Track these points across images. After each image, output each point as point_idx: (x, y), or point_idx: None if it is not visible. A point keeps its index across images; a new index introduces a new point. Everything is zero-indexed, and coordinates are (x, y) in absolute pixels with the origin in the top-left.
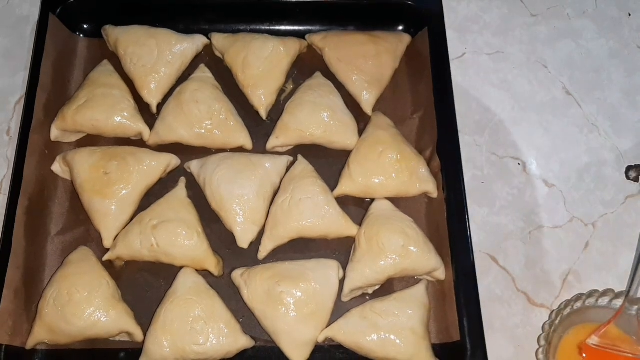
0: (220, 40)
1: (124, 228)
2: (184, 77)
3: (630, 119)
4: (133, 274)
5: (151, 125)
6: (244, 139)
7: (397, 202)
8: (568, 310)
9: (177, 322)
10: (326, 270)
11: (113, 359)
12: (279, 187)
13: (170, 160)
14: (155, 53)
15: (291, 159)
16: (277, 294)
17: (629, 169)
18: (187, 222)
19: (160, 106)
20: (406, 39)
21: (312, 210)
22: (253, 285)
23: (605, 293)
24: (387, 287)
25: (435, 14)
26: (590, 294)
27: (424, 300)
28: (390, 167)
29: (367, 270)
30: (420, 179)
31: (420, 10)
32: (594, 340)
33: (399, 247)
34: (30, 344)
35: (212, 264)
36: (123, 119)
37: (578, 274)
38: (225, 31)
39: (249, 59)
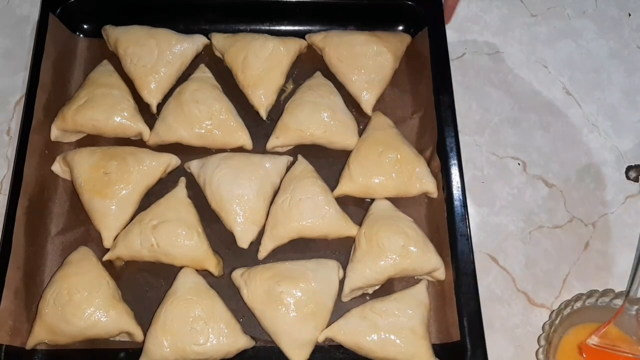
0: (220, 40)
1: (124, 228)
2: (184, 77)
3: (630, 119)
4: (133, 274)
5: (151, 125)
6: (244, 139)
7: (397, 202)
8: (568, 310)
9: (177, 322)
10: (326, 270)
11: (113, 359)
12: (279, 187)
13: (170, 160)
14: (155, 53)
15: (291, 159)
16: (277, 294)
17: (629, 169)
18: (187, 222)
19: (160, 106)
20: (406, 39)
21: (312, 210)
22: (253, 285)
23: (605, 293)
24: (387, 287)
25: (435, 13)
26: (590, 294)
27: (424, 300)
28: (390, 167)
29: (367, 270)
30: (420, 179)
31: (420, 10)
32: (594, 340)
33: (399, 247)
34: (30, 344)
35: (212, 264)
36: (123, 119)
37: (578, 274)
38: (225, 31)
39: (249, 59)
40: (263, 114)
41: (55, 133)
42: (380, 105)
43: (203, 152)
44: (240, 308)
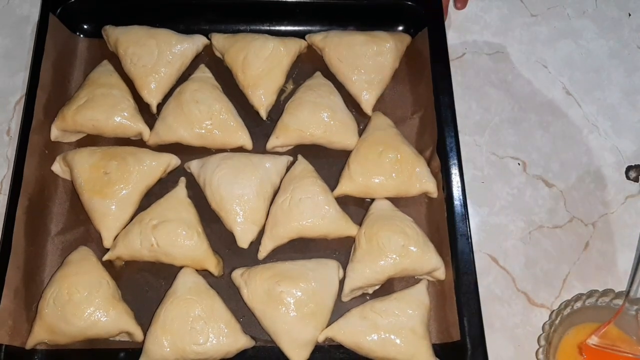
0: (220, 41)
1: (124, 228)
2: (184, 77)
3: (630, 119)
4: (133, 273)
5: (151, 125)
6: (244, 139)
7: (397, 202)
8: (568, 310)
9: (177, 321)
10: (326, 270)
11: (113, 359)
12: (279, 187)
13: (170, 160)
14: (156, 53)
15: (291, 159)
16: (277, 294)
17: (629, 169)
18: (187, 222)
19: (160, 106)
20: (406, 39)
21: (312, 210)
22: (253, 285)
23: (605, 293)
24: (387, 287)
25: (435, 13)
26: (590, 294)
27: (424, 300)
28: (390, 167)
29: (367, 270)
30: (420, 179)
31: (420, 10)
32: (594, 340)
33: (399, 246)
34: (30, 344)
35: (212, 264)
36: (123, 119)
37: (578, 274)
38: (225, 31)
39: (249, 59)
40: (263, 114)
41: (55, 133)
42: (380, 105)
43: (203, 152)
44: (240, 308)
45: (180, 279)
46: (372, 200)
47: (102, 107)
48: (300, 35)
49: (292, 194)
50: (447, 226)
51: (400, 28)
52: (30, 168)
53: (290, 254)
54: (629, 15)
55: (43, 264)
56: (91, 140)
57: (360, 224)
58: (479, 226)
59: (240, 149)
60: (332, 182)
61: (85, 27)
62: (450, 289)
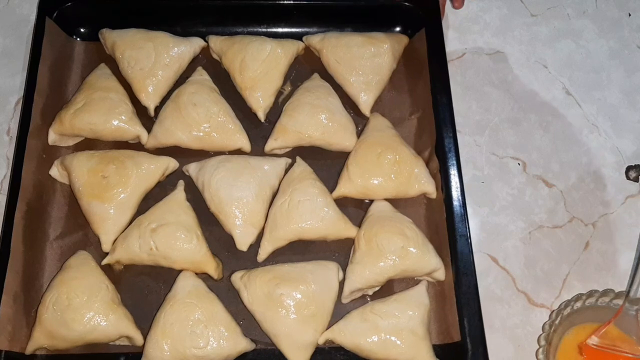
0: (217, 43)
1: (122, 232)
2: (181, 80)
3: (630, 119)
4: (132, 277)
5: (149, 129)
6: (242, 141)
7: (396, 203)
8: (568, 310)
9: (177, 325)
10: (326, 272)
11: None
12: (277, 189)
13: (169, 164)
14: (153, 56)
15: (289, 160)
16: (277, 297)
17: (629, 169)
18: (186, 225)
19: (158, 109)
20: (404, 39)
21: (311, 212)
22: (253, 287)
23: (605, 293)
24: (387, 289)
25: (432, 14)
26: (590, 294)
27: (424, 301)
28: (389, 168)
29: (366, 271)
30: (419, 180)
31: (417, 11)
32: (594, 340)
33: (399, 248)
34: (29, 349)
35: (212, 267)
36: (121, 122)
37: (578, 274)
38: (223, 34)
39: (247, 61)
40: (261, 116)
41: (52, 137)
42: (379, 106)
43: (201, 154)
44: (240, 311)
45: (179, 283)
46: (371, 201)
47: (99, 110)
48: (298, 37)
49: (291, 196)
50: (446, 227)
51: (398, 29)
52: (28, 172)
53: (289, 256)
54: (629, 15)
55: (42, 268)
56: (89, 144)
57: (359, 225)
58: (478, 226)
59: (238, 152)
60: (330, 183)
61: (82, 30)
62: (450, 289)
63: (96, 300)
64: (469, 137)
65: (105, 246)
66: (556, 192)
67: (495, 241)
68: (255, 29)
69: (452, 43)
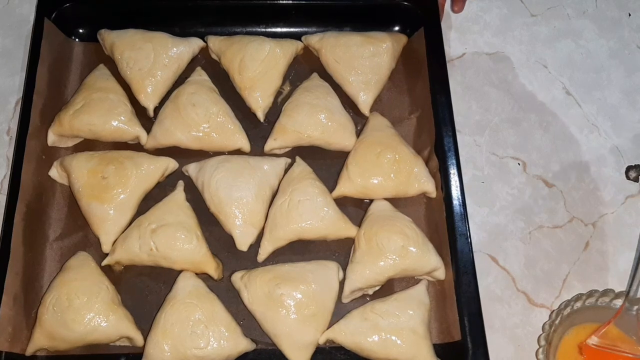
0: (216, 43)
1: (122, 232)
2: (180, 80)
3: (630, 119)
4: (132, 278)
5: (148, 129)
6: (241, 141)
7: (396, 202)
8: (568, 310)
9: (178, 326)
10: (326, 272)
11: None
12: (277, 189)
13: (168, 164)
14: (152, 56)
15: (289, 160)
16: (277, 296)
17: (629, 169)
18: (186, 226)
19: (157, 110)
20: (402, 39)
21: (311, 212)
22: (253, 287)
23: (605, 293)
24: (387, 288)
25: (431, 13)
26: (590, 294)
27: (425, 300)
28: (389, 168)
29: (367, 271)
30: (418, 179)
31: (416, 11)
32: (594, 340)
33: (399, 247)
34: (30, 351)
35: (212, 267)
36: (120, 123)
37: (578, 274)
38: (222, 34)
39: (246, 61)
40: (260, 116)
41: (52, 138)
42: (378, 105)
43: (201, 155)
44: (240, 311)
45: (180, 283)
46: (371, 201)
47: (98, 111)
48: (297, 36)
49: (291, 196)
50: (446, 226)
51: (397, 28)
52: (27, 174)
53: (289, 256)
54: (629, 15)
55: (42, 269)
56: (88, 144)
57: (359, 225)
58: (479, 226)
59: (238, 152)
60: (330, 183)
61: (80, 31)
62: (451, 288)
63: (96, 301)
64: (469, 137)
65: (105, 247)
66: (556, 192)
67: (495, 241)
68: (254, 29)
69: (452, 43)
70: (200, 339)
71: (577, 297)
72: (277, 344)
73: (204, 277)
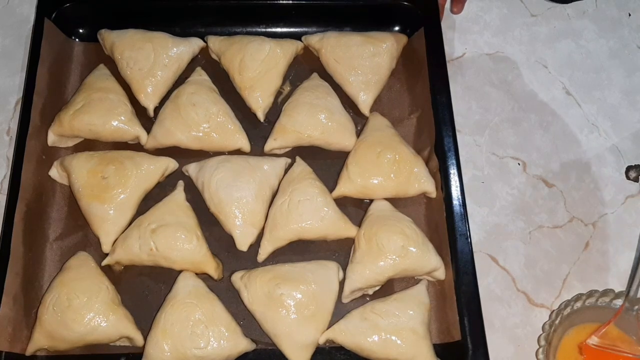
0: (216, 43)
1: (122, 232)
2: (180, 80)
3: (630, 119)
4: (132, 278)
5: (148, 129)
6: (241, 141)
7: (396, 202)
8: (568, 310)
9: (178, 326)
10: (326, 272)
11: None
12: (277, 189)
13: (168, 164)
14: (152, 56)
15: (289, 160)
16: (277, 296)
17: (629, 169)
18: (186, 226)
19: (157, 110)
20: (402, 39)
21: (311, 212)
22: (253, 287)
23: (605, 293)
24: (387, 288)
25: (431, 13)
26: (590, 294)
27: (425, 300)
28: (389, 168)
29: (367, 271)
30: (418, 179)
31: (415, 11)
32: (594, 340)
33: (399, 247)
34: (30, 350)
35: (212, 267)
36: (120, 123)
37: (578, 274)
38: (222, 34)
39: (246, 61)
40: (260, 116)
41: (52, 138)
42: (378, 105)
43: (201, 155)
44: (240, 311)
45: (180, 283)
46: (371, 201)
47: (99, 111)
48: (297, 36)
49: (291, 196)
50: (446, 226)
51: (397, 28)
52: (27, 173)
53: (289, 256)
54: (629, 15)
55: (42, 269)
56: (88, 145)
57: (359, 225)
58: (479, 226)
59: (238, 152)
60: (330, 183)
61: (80, 31)
62: (451, 288)
63: (96, 301)
64: (469, 137)
65: (105, 247)
66: (556, 192)
67: (495, 241)
68: (254, 29)
69: (452, 43)
70: (200, 339)
71: (577, 297)
72: (277, 344)
73: (204, 277)
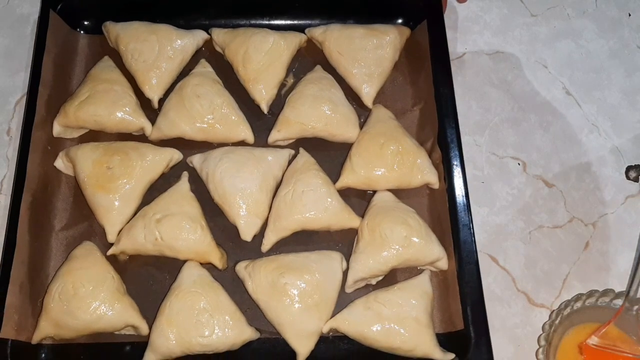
0: (220, 35)
1: (127, 222)
2: (184, 72)
3: (630, 119)
4: (137, 268)
5: (153, 121)
6: (245, 133)
7: (399, 193)
8: (568, 310)
9: (182, 314)
10: (330, 262)
11: (119, 353)
12: (281, 180)
13: (173, 155)
14: (156, 48)
15: (293, 152)
16: (281, 286)
17: (629, 169)
18: (191, 216)
19: (161, 101)
20: (405, 31)
21: (315, 203)
22: (257, 277)
23: (605, 293)
24: (391, 278)
25: (434, 6)
26: (590, 294)
27: (428, 289)
28: (392, 159)
29: (370, 261)
30: (421, 170)
31: (419, 3)
32: (594, 340)
33: (402, 237)
34: (36, 339)
35: (216, 257)
36: (125, 114)
37: (578, 273)
38: (225, 26)
39: (250, 53)
40: (264, 107)
41: (57, 129)
42: (381, 97)
43: (205, 146)
44: (244, 300)
45: (184, 272)
46: (374, 192)
47: (104, 102)
48: (300, 29)
49: (295, 187)
50: (449, 217)
51: (400, 21)
52: (33, 164)
53: (293, 247)
54: (629, 15)
55: (48, 259)
56: (93, 136)
57: (362, 215)
58: (479, 226)
59: (242, 143)
60: (334, 174)
61: (85, 23)
62: (453, 278)
63: (102, 289)
64: (469, 137)
65: (111, 237)
66: (556, 192)
67: (495, 241)
68: (258, 22)
69: (452, 43)
70: (205, 328)
71: (577, 297)
72: (281, 333)
73: (209, 267)
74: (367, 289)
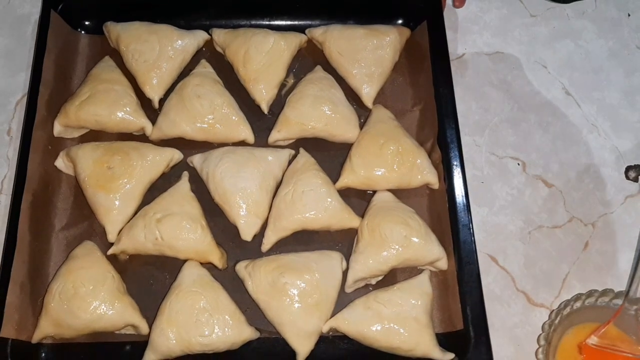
0: (221, 36)
1: (128, 222)
2: (185, 72)
3: (630, 119)
4: (137, 267)
5: (153, 121)
6: (245, 133)
7: (399, 193)
8: (568, 310)
9: (183, 314)
10: (329, 262)
11: (119, 352)
12: (281, 180)
13: (173, 155)
14: (157, 49)
15: (293, 152)
16: (281, 285)
17: (628, 169)
18: (191, 216)
19: (162, 101)
20: (405, 32)
21: (315, 203)
22: (257, 277)
23: (605, 293)
24: (390, 278)
25: (434, 7)
26: (590, 293)
27: (427, 289)
28: (392, 159)
29: (370, 261)
30: (421, 171)
31: (419, 4)
32: (593, 340)
33: (401, 237)
34: (36, 338)
35: (216, 257)
36: (125, 114)
37: (578, 273)
38: (226, 26)
39: (250, 53)
40: (264, 108)
41: (58, 129)
42: (381, 98)
43: (205, 146)
44: (244, 300)
45: (184, 272)
46: (374, 192)
47: (104, 102)
48: (301, 29)
49: (295, 187)
50: (448, 217)
51: (400, 21)
52: (33, 164)
53: (293, 246)
54: (629, 15)
55: (48, 258)
56: (94, 135)
57: (362, 215)
58: (478, 226)
59: (242, 143)
60: (334, 174)
61: (86, 23)
62: (453, 278)
63: (102, 289)
64: (469, 137)
65: (111, 236)
66: (556, 192)
67: (495, 241)
68: (258, 22)
69: (452, 43)
70: (205, 327)
71: (577, 297)
72: (280, 333)
73: (209, 266)
74: (367, 289)
